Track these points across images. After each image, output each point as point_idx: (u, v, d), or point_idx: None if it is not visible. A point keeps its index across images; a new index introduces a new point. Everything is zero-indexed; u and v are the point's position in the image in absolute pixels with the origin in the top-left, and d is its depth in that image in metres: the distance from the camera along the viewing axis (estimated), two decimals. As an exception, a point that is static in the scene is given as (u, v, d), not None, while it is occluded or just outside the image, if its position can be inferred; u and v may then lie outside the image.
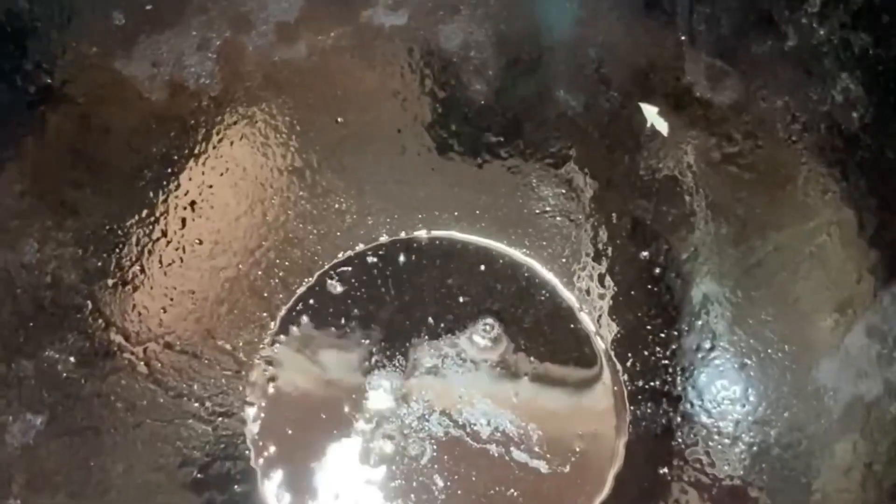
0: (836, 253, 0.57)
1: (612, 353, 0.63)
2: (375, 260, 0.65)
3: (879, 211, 0.55)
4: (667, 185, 0.63)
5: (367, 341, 0.63)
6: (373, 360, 0.62)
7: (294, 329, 0.63)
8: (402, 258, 0.65)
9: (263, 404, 0.61)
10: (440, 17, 0.63)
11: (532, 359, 0.63)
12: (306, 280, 0.64)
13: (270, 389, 0.61)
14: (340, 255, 0.65)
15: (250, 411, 0.60)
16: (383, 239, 0.66)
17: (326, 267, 0.65)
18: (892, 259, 0.55)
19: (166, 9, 0.59)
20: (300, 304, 0.63)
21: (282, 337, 0.63)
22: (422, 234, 0.66)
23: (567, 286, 0.65)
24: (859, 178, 0.56)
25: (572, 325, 0.64)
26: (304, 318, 0.63)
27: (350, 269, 0.65)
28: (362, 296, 0.64)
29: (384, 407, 0.61)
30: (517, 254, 0.66)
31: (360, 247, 0.65)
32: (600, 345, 0.63)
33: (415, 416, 0.61)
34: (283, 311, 0.63)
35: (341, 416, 0.61)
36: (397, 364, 0.62)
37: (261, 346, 0.62)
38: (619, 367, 0.63)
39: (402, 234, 0.66)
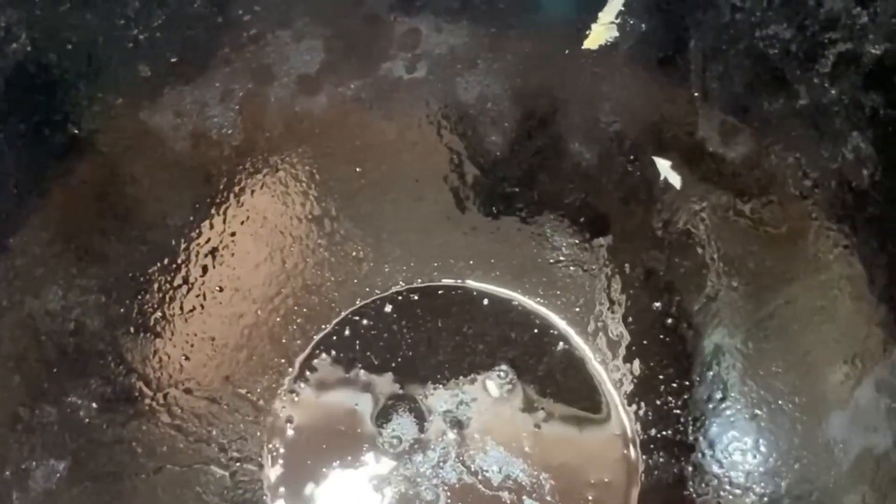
0: (846, 307, 0.58)
1: (625, 402, 0.64)
2: (392, 307, 0.66)
3: (889, 267, 0.56)
4: (680, 237, 0.64)
5: (383, 387, 0.64)
6: (388, 406, 0.63)
7: (311, 375, 0.64)
8: (417, 306, 0.66)
9: (281, 450, 0.62)
10: (458, 70, 0.64)
11: (545, 407, 0.64)
12: (324, 326, 0.65)
13: (288, 435, 0.62)
14: (358, 302, 0.66)
15: (268, 457, 0.61)
16: (399, 286, 0.66)
17: (344, 314, 0.66)
18: (901, 315, 0.55)
19: (191, 61, 0.60)
20: (317, 351, 0.65)
21: (300, 384, 0.64)
22: (437, 282, 0.67)
23: (580, 335, 0.66)
24: (869, 234, 0.57)
25: (585, 374, 0.65)
26: (322, 365, 0.64)
27: (367, 315, 0.66)
28: (378, 342, 0.65)
29: (399, 452, 0.62)
30: (531, 303, 0.67)
31: (377, 293, 0.66)
32: (613, 394, 0.64)
33: (429, 462, 0.62)
34: (300, 358, 0.64)
35: (357, 461, 0.62)
36: (412, 410, 0.63)
37: (279, 391, 0.63)
38: (631, 416, 0.63)
39: (418, 282, 0.67)
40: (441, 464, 0.62)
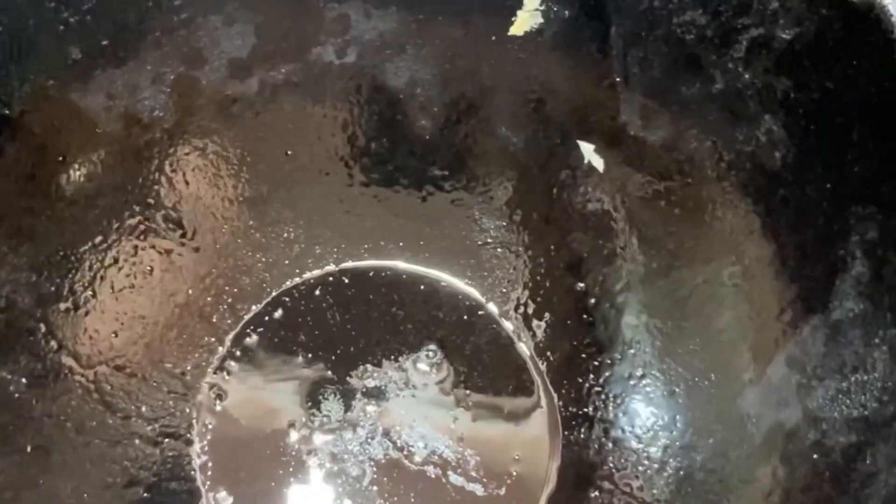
0: (760, 286, 0.60)
1: (548, 381, 0.65)
2: (322, 288, 0.67)
3: (800, 246, 0.58)
4: (602, 219, 0.65)
5: (312, 366, 0.65)
6: (316, 385, 0.64)
7: (241, 354, 0.65)
8: (347, 287, 0.67)
9: (210, 426, 0.63)
10: (387, 55, 0.65)
11: (471, 385, 0.65)
12: (254, 306, 0.66)
13: (216, 412, 0.63)
14: (288, 283, 0.67)
15: (196, 433, 0.62)
16: (330, 268, 0.68)
17: (274, 294, 0.67)
18: (811, 293, 0.57)
19: (122, 44, 0.61)
20: (247, 330, 0.65)
21: (229, 362, 0.65)
22: (367, 263, 0.68)
23: (507, 315, 0.67)
24: (781, 215, 0.58)
25: (511, 354, 0.66)
26: (252, 344, 0.65)
27: (297, 296, 0.67)
28: (308, 322, 0.66)
29: (326, 430, 0.63)
30: (459, 283, 0.68)
31: (307, 275, 0.67)
32: (536, 373, 0.65)
33: (356, 440, 0.63)
34: (230, 336, 0.65)
35: (284, 439, 0.63)
36: (340, 391, 0.64)
37: (208, 370, 0.64)
38: (554, 393, 0.65)
39: (349, 263, 0.68)
40: (368, 440, 0.63)
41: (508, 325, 0.67)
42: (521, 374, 0.66)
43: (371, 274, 0.68)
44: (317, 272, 0.68)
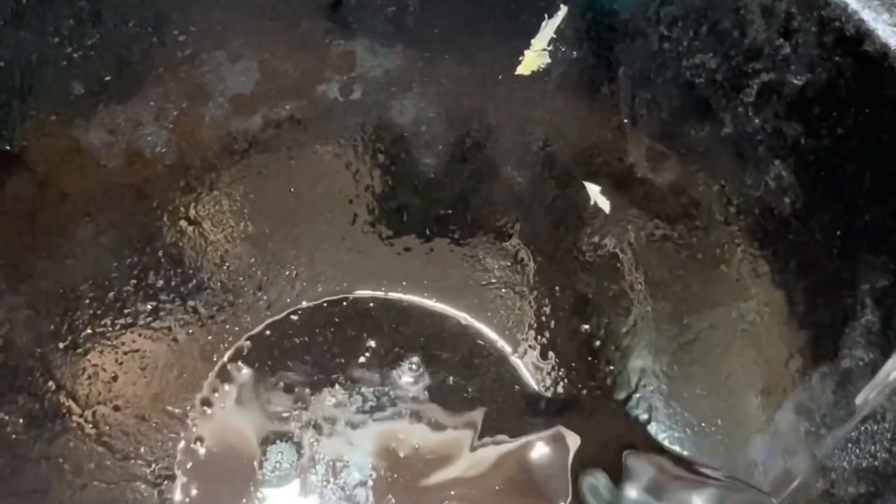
0: (768, 332, 0.59)
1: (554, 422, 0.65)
2: (324, 322, 0.67)
3: (809, 293, 0.57)
4: (608, 261, 0.65)
5: (303, 402, 0.64)
6: (314, 423, 0.63)
7: (239, 393, 0.64)
8: (349, 324, 0.67)
9: (190, 467, 0.62)
10: (393, 93, 0.64)
11: (479, 429, 0.64)
12: (256, 344, 0.66)
13: (200, 452, 0.62)
14: (292, 319, 0.66)
15: (181, 474, 0.61)
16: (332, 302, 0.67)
17: (277, 332, 0.66)
18: (820, 339, 0.56)
19: (125, 80, 0.60)
20: (247, 368, 0.65)
21: (227, 401, 0.64)
22: (370, 302, 0.67)
23: (511, 356, 0.66)
24: (790, 260, 0.58)
25: (515, 395, 0.66)
26: (250, 381, 0.64)
27: (298, 333, 0.66)
28: (309, 360, 0.66)
29: (310, 469, 0.62)
30: (463, 323, 0.67)
31: (310, 312, 0.67)
32: (542, 415, 0.65)
33: (348, 475, 0.62)
34: (231, 374, 0.64)
35: (253, 472, 0.62)
36: (330, 426, 0.64)
37: (209, 411, 0.63)
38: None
39: (350, 299, 0.67)
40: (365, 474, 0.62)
41: (512, 367, 0.66)
42: (527, 416, 0.65)
43: (373, 310, 0.67)
44: (319, 309, 0.67)
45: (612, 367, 0.65)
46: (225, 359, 0.65)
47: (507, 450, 0.63)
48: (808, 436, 0.56)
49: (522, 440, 0.64)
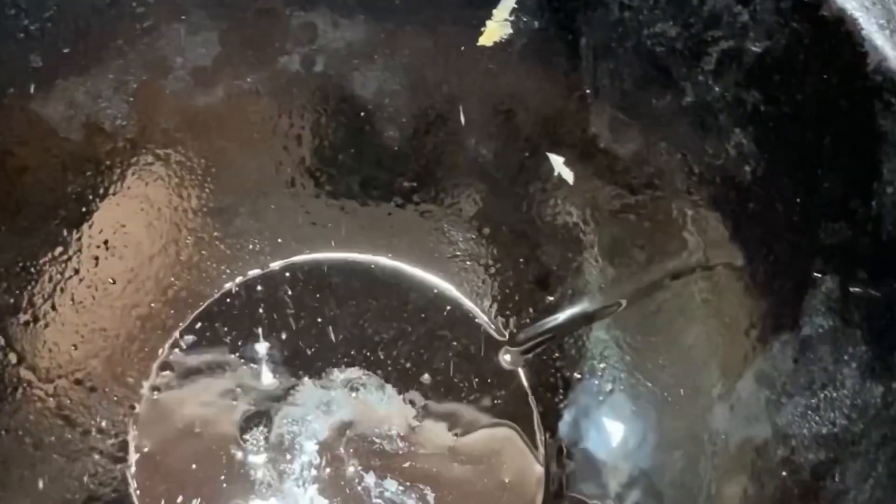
0: (729, 301, 0.59)
1: (517, 395, 0.65)
2: (288, 294, 0.66)
3: (770, 261, 0.57)
4: (571, 231, 0.65)
5: (268, 373, 0.64)
6: (265, 395, 0.64)
7: (200, 366, 0.64)
8: (313, 297, 0.67)
9: (149, 440, 0.62)
10: (355, 65, 0.64)
11: (438, 395, 0.64)
12: (218, 317, 0.65)
13: (160, 425, 0.62)
14: (256, 291, 0.66)
15: (140, 447, 0.61)
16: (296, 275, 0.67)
17: (239, 304, 0.66)
18: (781, 309, 0.56)
19: (84, 52, 0.60)
20: (208, 342, 0.64)
21: (189, 375, 0.64)
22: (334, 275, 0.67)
23: (475, 329, 0.66)
24: (751, 229, 0.58)
25: (479, 366, 0.65)
26: (210, 355, 0.64)
27: (261, 305, 0.66)
28: (272, 333, 0.65)
29: (271, 441, 0.62)
30: (428, 296, 0.67)
31: (272, 283, 0.66)
32: (510, 386, 0.65)
33: (306, 453, 0.62)
34: (190, 348, 0.64)
35: (225, 448, 0.62)
36: (292, 400, 0.63)
37: (171, 383, 0.63)
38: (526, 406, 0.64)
39: (315, 273, 0.67)
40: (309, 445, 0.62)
41: (477, 339, 0.66)
42: (496, 389, 0.65)
43: (338, 283, 0.67)
44: (282, 281, 0.67)
45: (575, 339, 0.64)
46: (186, 331, 0.64)
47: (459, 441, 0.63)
48: (768, 404, 0.56)
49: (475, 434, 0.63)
